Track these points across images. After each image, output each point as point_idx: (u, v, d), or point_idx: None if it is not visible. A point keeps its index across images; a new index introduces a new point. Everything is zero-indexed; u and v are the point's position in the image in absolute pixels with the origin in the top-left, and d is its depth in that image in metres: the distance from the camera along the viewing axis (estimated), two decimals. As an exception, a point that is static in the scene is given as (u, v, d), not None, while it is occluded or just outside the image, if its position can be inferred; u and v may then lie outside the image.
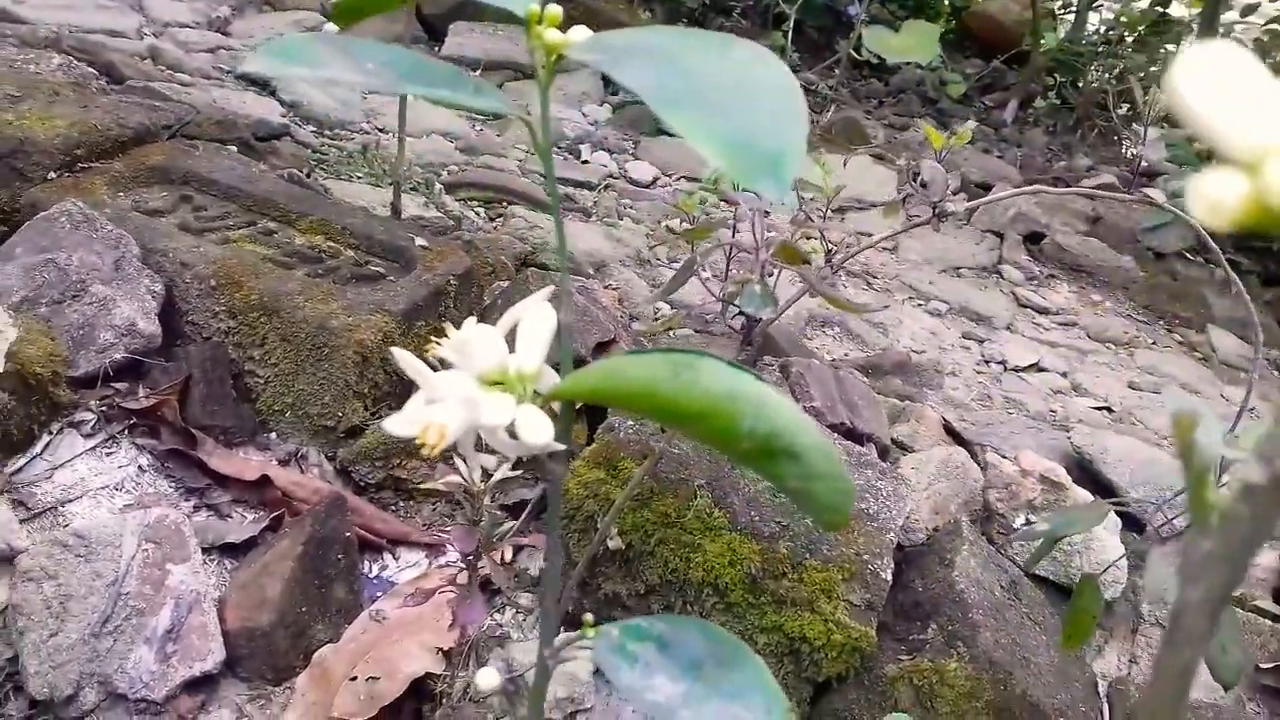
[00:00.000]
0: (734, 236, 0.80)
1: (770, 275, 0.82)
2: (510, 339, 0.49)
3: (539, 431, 0.46)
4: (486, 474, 0.82)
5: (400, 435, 0.47)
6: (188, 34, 2.62)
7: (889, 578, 1.01)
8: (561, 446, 0.49)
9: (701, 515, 1.00)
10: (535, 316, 0.50)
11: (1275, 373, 2.29)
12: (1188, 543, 0.21)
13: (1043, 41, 3.33)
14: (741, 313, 0.82)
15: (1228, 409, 1.95)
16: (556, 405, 0.49)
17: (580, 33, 0.48)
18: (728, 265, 0.82)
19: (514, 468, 0.85)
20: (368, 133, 2.12)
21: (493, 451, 0.57)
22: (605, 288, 1.68)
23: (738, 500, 1.01)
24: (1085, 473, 1.45)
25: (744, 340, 0.83)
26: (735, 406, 0.41)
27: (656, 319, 1.63)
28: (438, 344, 0.50)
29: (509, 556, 1.05)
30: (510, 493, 1.05)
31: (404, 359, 0.47)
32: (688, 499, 1.00)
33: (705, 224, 0.82)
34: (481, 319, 1.44)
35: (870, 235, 2.37)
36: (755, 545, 0.99)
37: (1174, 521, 0.94)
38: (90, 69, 1.91)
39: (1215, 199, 0.17)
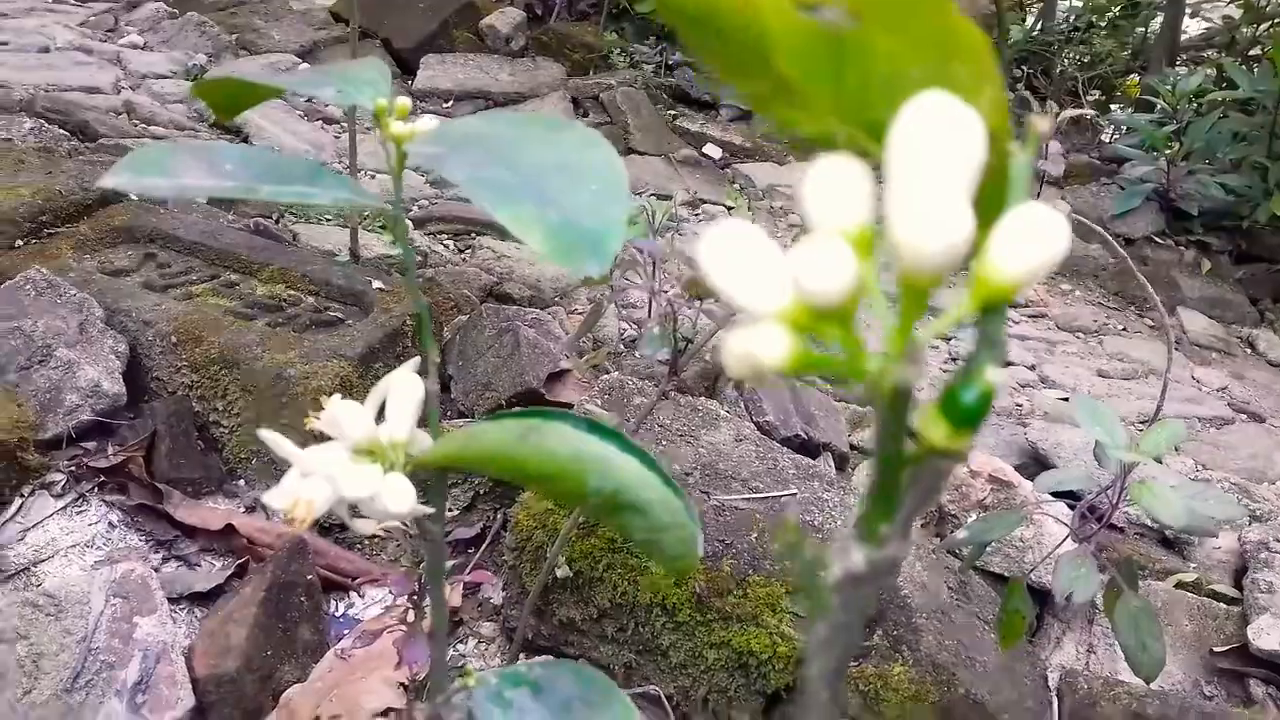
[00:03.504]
0: (652, 277, 0.84)
1: (692, 309, 0.86)
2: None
3: (400, 501, 0.49)
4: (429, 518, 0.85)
5: (276, 508, 0.51)
6: (163, 85, 2.67)
7: (832, 588, 1.04)
8: (428, 510, 0.53)
9: (646, 539, 1.03)
10: (402, 387, 0.54)
11: (1248, 350, 2.31)
12: (809, 625, 0.24)
13: (1010, 33, 3.36)
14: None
15: (1192, 392, 1.98)
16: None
17: (427, 123, 0.52)
18: (650, 305, 0.86)
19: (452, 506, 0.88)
20: (339, 172, 2.17)
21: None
22: (570, 314, 1.72)
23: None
24: (1043, 467, 1.48)
25: (670, 372, 0.86)
26: (581, 466, 0.45)
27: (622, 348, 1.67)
28: (316, 419, 0.54)
29: (457, 594, 1.08)
30: (451, 533, 1.08)
31: (271, 439, 0.51)
32: (632, 524, 1.04)
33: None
34: (442, 354, 1.48)
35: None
36: (700, 565, 1.02)
37: (1099, 518, 0.97)
38: (62, 130, 1.96)
39: (737, 354, 0.21)
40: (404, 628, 0.93)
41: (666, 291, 0.81)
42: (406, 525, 0.80)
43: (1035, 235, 0.21)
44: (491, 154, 0.48)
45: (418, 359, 0.55)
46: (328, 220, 1.84)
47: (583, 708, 0.51)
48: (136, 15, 3.21)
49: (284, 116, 2.33)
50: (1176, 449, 1.75)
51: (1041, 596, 1.26)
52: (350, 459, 0.52)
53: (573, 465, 0.45)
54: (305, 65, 2.98)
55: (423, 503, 0.54)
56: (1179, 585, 1.32)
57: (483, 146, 0.49)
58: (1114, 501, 0.87)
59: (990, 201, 0.22)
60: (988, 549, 1.26)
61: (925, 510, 0.23)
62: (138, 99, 2.44)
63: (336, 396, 0.52)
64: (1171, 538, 1.43)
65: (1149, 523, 1.45)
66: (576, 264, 0.42)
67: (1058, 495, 1.35)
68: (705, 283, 0.70)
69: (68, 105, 2.15)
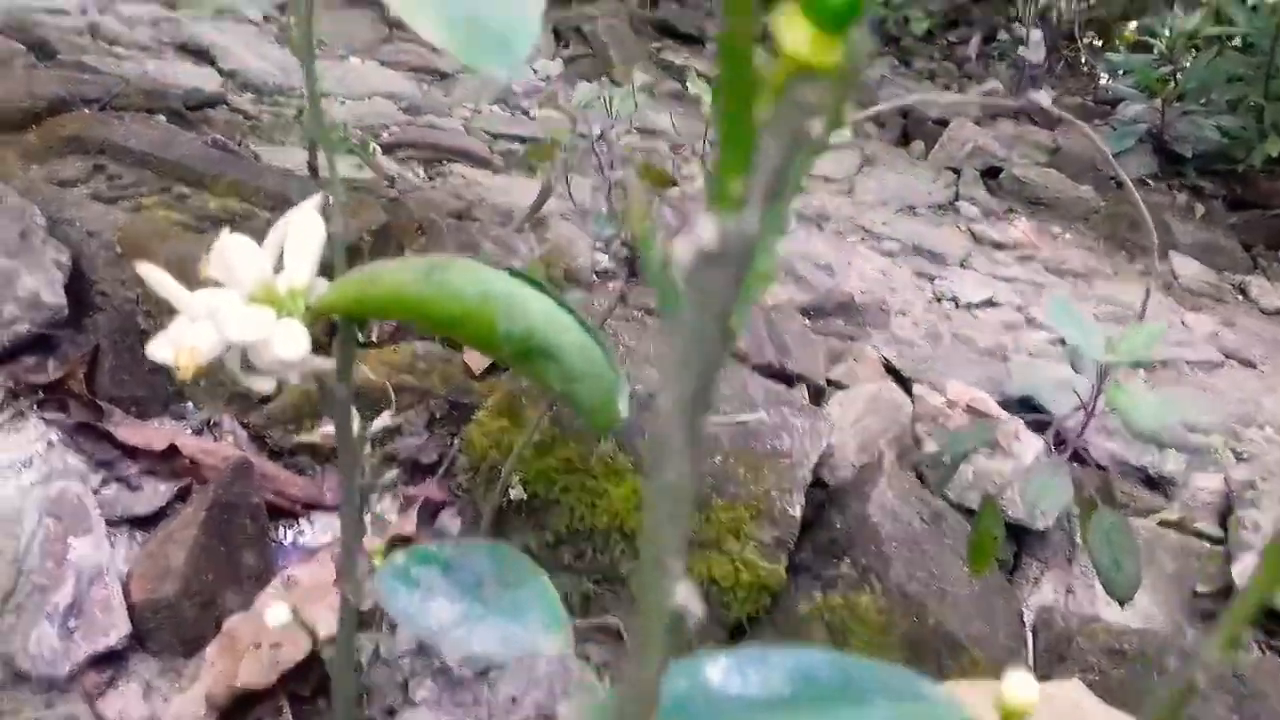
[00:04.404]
0: (597, 159, 0.79)
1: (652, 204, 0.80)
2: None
3: (292, 345, 0.44)
4: (364, 426, 0.81)
5: (159, 359, 0.46)
6: (133, 9, 2.58)
7: (798, 514, 1.00)
8: (327, 364, 0.47)
9: (605, 460, 0.99)
10: (302, 228, 0.48)
11: (1240, 296, 2.27)
12: (659, 343, 0.19)
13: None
14: (624, 245, 0.81)
15: (1182, 336, 1.93)
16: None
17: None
18: (609, 198, 0.80)
19: (396, 416, 0.83)
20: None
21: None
22: (542, 242, 1.66)
23: (642, 443, 1.00)
24: (1023, 403, 1.44)
25: (629, 274, 0.81)
26: (489, 307, 0.41)
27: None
28: (206, 260, 0.48)
29: (411, 520, 1.03)
30: (396, 443, 1.04)
31: (154, 278, 0.45)
32: (591, 444, 0.99)
33: (546, 145, 0.80)
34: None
35: (825, 176, 2.35)
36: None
37: (1073, 436, 0.93)
38: (19, 45, 1.88)
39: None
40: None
41: (618, 171, 0.76)
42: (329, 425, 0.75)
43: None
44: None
45: (320, 195, 0.49)
46: (292, 143, 1.78)
47: (496, 586, 0.47)
48: (107, -62, 3.10)
49: (254, 39, 2.25)
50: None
51: (1020, 534, 1.23)
52: (244, 306, 0.47)
53: (480, 306, 0.41)
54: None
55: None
56: (1162, 523, 1.28)
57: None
58: (1090, 410, 0.82)
59: None
60: (966, 486, 1.22)
61: (793, 176, 0.16)
62: (104, 20, 2.36)
63: (226, 230, 0.47)
64: (1155, 477, 1.39)
65: (1134, 462, 1.41)
66: (479, 60, 0.37)
67: (1022, 412, 1.31)
68: (660, 171, 0.64)
69: (27, 23, 2.07)
